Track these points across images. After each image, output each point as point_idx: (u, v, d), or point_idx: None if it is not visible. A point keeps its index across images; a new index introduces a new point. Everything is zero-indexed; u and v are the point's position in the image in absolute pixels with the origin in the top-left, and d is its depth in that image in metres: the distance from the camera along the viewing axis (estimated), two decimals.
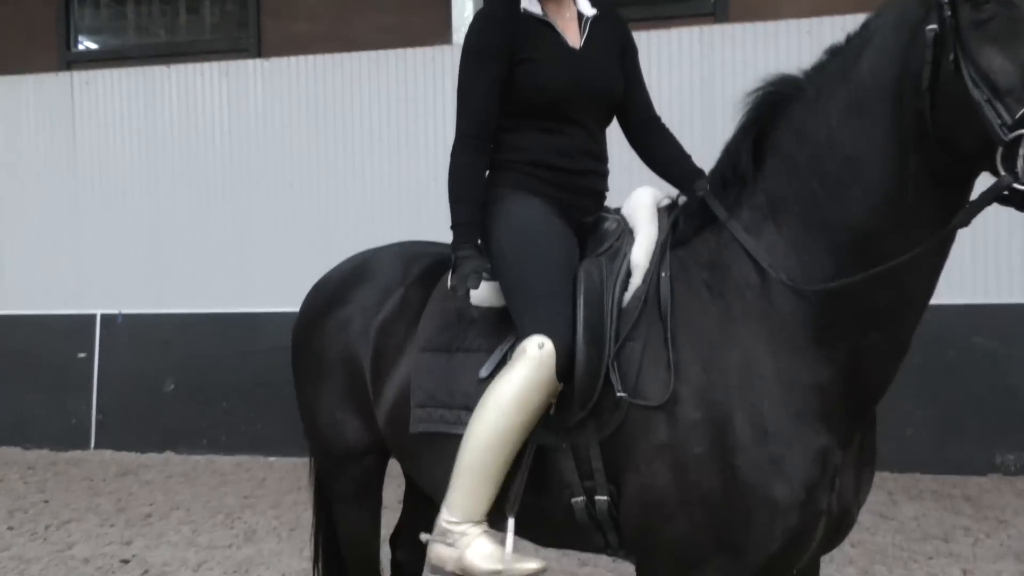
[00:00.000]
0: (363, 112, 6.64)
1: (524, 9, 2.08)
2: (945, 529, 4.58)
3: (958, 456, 5.74)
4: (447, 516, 1.86)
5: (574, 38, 2.11)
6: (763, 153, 1.75)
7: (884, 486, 5.44)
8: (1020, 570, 3.93)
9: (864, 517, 4.84)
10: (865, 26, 1.68)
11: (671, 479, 1.66)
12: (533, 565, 1.79)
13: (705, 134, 5.90)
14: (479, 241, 2.11)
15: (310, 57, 6.71)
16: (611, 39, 2.17)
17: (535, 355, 1.77)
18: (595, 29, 2.15)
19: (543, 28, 2.08)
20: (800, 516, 1.62)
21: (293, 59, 6.75)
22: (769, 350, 1.66)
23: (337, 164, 6.68)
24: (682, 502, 1.65)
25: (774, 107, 1.75)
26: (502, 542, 1.81)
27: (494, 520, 1.86)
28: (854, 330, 1.63)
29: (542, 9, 2.10)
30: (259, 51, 7.40)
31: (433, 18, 6.84)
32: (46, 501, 5.46)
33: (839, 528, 1.77)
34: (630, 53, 2.24)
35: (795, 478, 1.61)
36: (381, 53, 6.59)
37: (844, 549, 4.23)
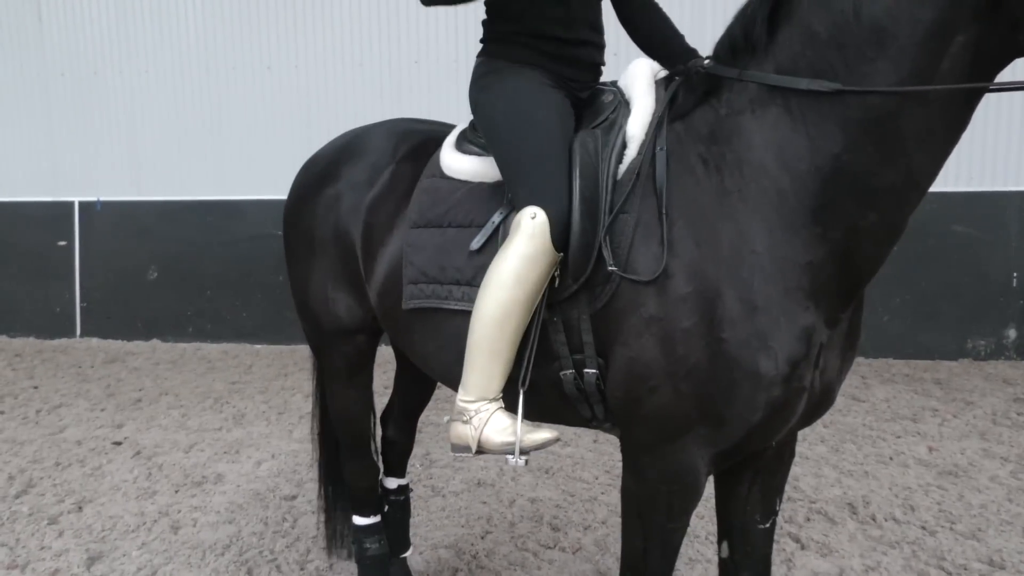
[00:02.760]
0: None
1: None
2: (914, 410, 4.75)
3: (931, 341, 5.90)
4: (463, 395, 1.88)
5: None
6: (777, 22, 1.66)
7: (858, 370, 5.60)
8: (983, 447, 4.10)
9: (837, 400, 5.01)
10: None
11: (659, 352, 1.68)
12: (546, 435, 1.82)
13: (695, 15, 5.75)
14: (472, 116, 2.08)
15: None
16: None
17: (528, 227, 1.75)
18: None
19: None
20: (783, 390, 1.65)
21: None
22: (764, 226, 1.64)
23: (316, 45, 6.47)
24: (669, 374, 1.67)
25: None
26: (515, 416, 1.83)
27: (508, 397, 1.88)
28: (854, 209, 1.60)
29: None
30: None
31: None
32: (35, 387, 5.51)
33: (820, 405, 1.80)
34: None
35: (780, 353, 1.63)
36: None
37: (816, 429, 4.39)
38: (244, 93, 6.60)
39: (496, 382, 1.84)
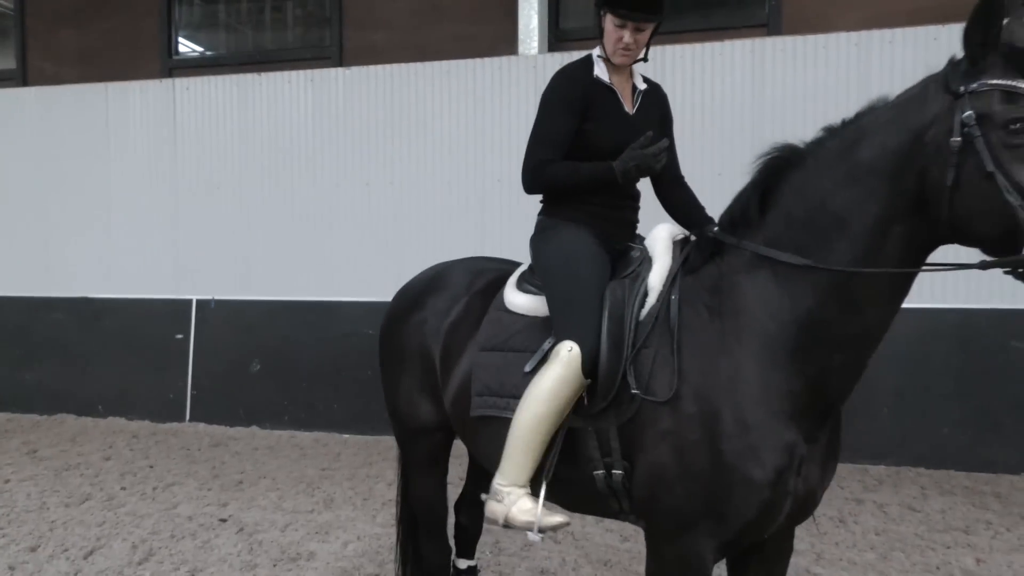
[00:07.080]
0: (434, 117, 7.16)
1: (596, 76, 2.58)
2: (968, 522, 4.87)
3: (992, 454, 5.98)
4: (499, 480, 2.36)
5: (628, 105, 2.61)
6: (766, 205, 2.18)
7: (918, 480, 5.73)
8: None
9: (892, 508, 5.19)
10: (859, 117, 2.08)
11: (672, 459, 2.12)
12: (559, 519, 2.29)
13: (755, 143, 6.23)
14: (531, 259, 2.62)
15: (387, 66, 7.26)
16: (655, 109, 2.69)
17: (565, 357, 2.24)
18: (645, 100, 2.66)
19: (609, 94, 2.58)
20: (771, 493, 2.06)
21: (371, 68, 7.30)
22: (755, 361, 2.09)
23: (410, 166, 7.22)
24: (680, 477, 2.10)
25: (779, 169, 2.18)
26: (536, 501, 2.30)
27: (534, 486, 2.34)
28: (823, 352, 2.05)
29: (609, 78, 2.59)
30: (340, 59, 7.98)
31: (501, 29, 7.31)
32: (151, 466, 6.16)
33: (804, 506, 2.21)
34: (668, 121, 2.75)
35: (768, 463, 2.05)
36: (452, 63, 7.10)
37: (867, 536, 4.59)
38: (345, 206, 7.36)
39: (525, 473, 2.31)
